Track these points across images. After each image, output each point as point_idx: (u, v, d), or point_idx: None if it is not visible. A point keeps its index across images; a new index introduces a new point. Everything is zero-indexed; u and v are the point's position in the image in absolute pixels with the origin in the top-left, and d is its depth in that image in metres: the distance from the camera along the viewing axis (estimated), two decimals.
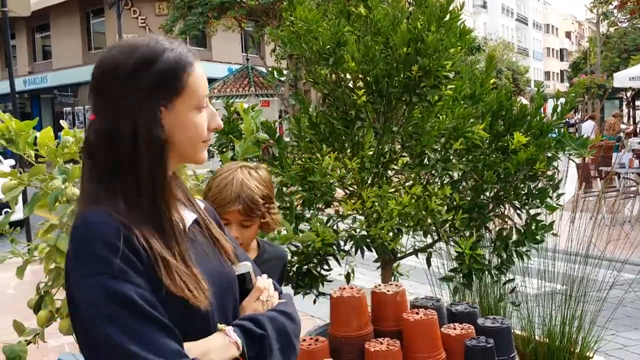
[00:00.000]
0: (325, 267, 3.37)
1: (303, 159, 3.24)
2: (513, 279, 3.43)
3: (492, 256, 3.32)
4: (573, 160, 4.14)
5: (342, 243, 3.29)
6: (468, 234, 3.21)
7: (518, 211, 3.32)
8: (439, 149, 3.26)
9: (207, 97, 1.36)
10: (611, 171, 8.27)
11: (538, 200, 3.20)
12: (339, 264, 3.32)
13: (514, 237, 3.28)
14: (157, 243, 1.26)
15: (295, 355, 1.43)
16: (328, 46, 3.14)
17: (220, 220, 1.56)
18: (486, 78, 3.32)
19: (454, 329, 2.44)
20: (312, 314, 5.27)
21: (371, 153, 3.21)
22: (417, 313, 2.38)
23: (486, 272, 3.17)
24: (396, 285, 2.58)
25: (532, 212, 3.28)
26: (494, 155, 3.24)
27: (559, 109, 3.23)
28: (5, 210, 8.88)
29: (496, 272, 3.26)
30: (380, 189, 3.07)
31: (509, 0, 74.24)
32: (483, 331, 2.47)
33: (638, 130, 22.41)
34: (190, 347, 1.24)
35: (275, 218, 2.24)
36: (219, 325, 1.34)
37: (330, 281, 3.36)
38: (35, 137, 2.58)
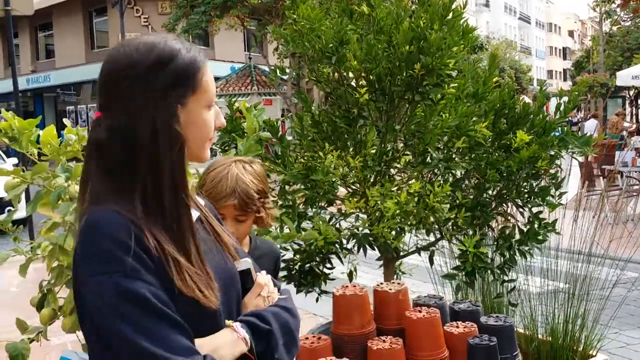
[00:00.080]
0: (328, 265, 3.37)
1: (305, 158, 3.24)
2: (514, 280, 3.43)
3: (495, 255, 3.31)
4: (576, 159, 4.13)
5: (344, 241, 3.29)
6: (471, 232, 3.21)
7: (520, 209, 3.32)
8: (441, 147, 3.26)
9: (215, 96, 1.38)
10: (614, 170, 8.24)
11: (540, 199, 3.20)
12: (342, 262, 3.32)
13: (517, 236, 3.28)
14: (168, 243, 1.26)
15: (297, 350, 1.46)
16: (331, 44, 3.14)
17: (219, 216, 1.57)
18: (489, 76, 3.31)
19: (457, 327, 2.44)
20: (314, 312, 5.27)
21: (374, 151, 3.21)
22: (420, 311, 2.38)
23: (489, 271, 3.17)
24: (399, 283, 2.58)
25: (534, 210, 3.27)
26: (496, 154, 3.23)
27: (562, 108, 3.23)
28: (8, 208, 8.89)
29: (498, 271, 3.26)
30: (382, 187, 3.07)
31: None
32: (486, 329, 2.47)
33: None
34: (200, 344, 1.25)
35: (269, 212, 2.24)
36: (227, 322, 1.35)
37: (333, 279, 3.36)
38: (38, 136, 2.59)
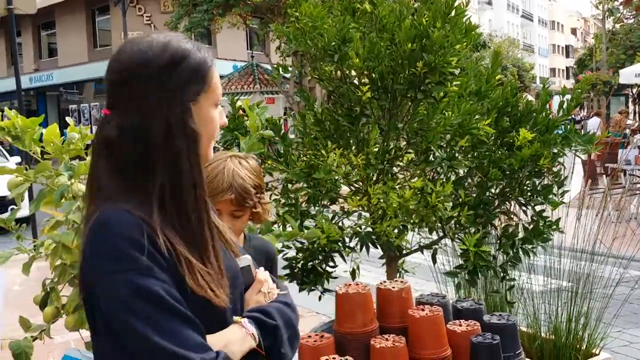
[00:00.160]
0: (331, 263, 3.37)
1: (308, 156, 3.24)
2: (513, 278, 3.43)
3: (498, 253, 3.31)
4: (579, 157, 4.12)
5: (347, 240, 3.29)
6: (473, 230, 3.20)
7: (523, 207, 3.31)
8: (444, 145, 3.25)
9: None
10: (617, 168, 8.23)
11: (542, 197, 3.19)
12: (344, 260, 3.32)
13: (521, 234, 3.27)
14: (179, 242, 1.27)
15: (298, 343, 1.50)
16: (333, 43, 3.14)
17: (217, 213, 1.58)
18: (492, 74, 3.31)
19: (460, 325, 2.44)
20: (317, 310, 5.27)
21: (376, 150, 3.20)
22: (423, 309, 2.38)
23: (491, 270, 3.16)
24: (402, 281, 2.57)
25: (537, 208, 3.27)
26: (499, 152, 3.23)
27: (565, 105, 3.22)
28: (11, 207, 8.91)
29: (500, 270, 3.26)
30: (385, 185, 3.07)
31: None
32: (489, 328, 2.46)
33: None
34: (211, 340, 1.26)
35: (265, 208, 2.23)
36: (235, 318, 1.37)
37: (336, 278, 3.36)
38: (41, 134, 2.59)
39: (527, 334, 3.71)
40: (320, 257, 3.31)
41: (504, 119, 3.25)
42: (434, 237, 3.42)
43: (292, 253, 3.32)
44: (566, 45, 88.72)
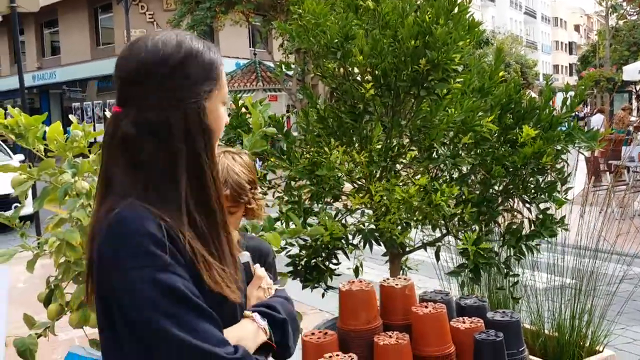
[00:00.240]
0: (334, 261, 3.38)
1: (311, 153, 3.24)
2: (517, 274, 3.42)
3: (502, 250, 3.31)
4: (582, 154, 4.12)
5: (350, 237, 3.29)
6: (477, 228, 3.20)
7: (527, 205, 3.31)
8: (447, 142, 3.25)
9: None
10: (621, 165, 8.22)
11: (546, 194, 3.19)
12: (348, 257, 3.32)
13: (527, 230, 3.27)
14: (194, 239, 1.28)
15: (298, 337, 1.58)
16: (336, 40, 3.13)
17: None
18: (495, 71, 3.30)
19: (463, 322, 2.43)
20: (320, 307, 5.28)
21: (379, 147, 3.20)
22: (426, 307, 2.37)
23: (494, 267, 3.16)
24: (405, 279, 2.57)
25: (541, 206, 3.26)
26: (502, 149, 3.22)
27: (568, 102, 3.21)
28: (14, 204, 8.92)
29: (504, 266, 3.25)
30: (388, 182, 3.06)
31: None
32: (492, 325, 2.46)
33: None
34: (226, 335, 1.28)
35: (259, 203, 2.23)
36: (246, 312, 1.41)
37: (339, 275, 3.36)
38: (45, 132, 2.59)
39: (530, 331, 3.70)
40: (323, 255, 3.32)
41: (507, 115, 3.24)
42: (437, 234, 3.42)
43: (295, 250, 3.32)
44: (569, 42, 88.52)
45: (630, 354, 4.63)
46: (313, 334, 2.31)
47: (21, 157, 11.84)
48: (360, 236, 3.23)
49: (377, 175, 3.26)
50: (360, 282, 2.45)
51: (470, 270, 3.05)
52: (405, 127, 3.29)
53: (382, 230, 3.06)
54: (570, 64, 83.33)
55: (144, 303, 1.18)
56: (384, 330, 2.37)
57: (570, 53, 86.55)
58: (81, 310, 2.40)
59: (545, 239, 3.28)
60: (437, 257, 3.45)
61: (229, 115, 2.62)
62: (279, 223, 3.05)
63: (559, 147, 3.18)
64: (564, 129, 3.18)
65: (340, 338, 2.34)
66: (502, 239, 3.31)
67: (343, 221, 3.35)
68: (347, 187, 3.36)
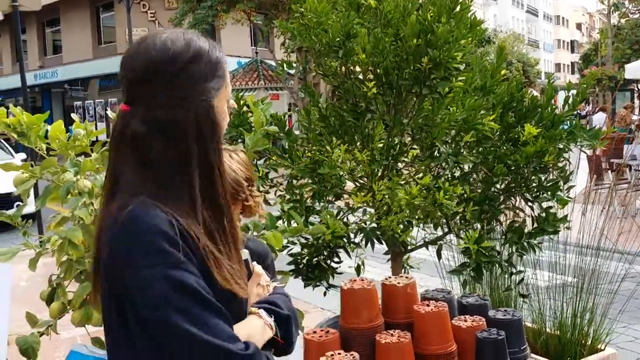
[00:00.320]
0: (336, 259, 3.38)
1: (313, 152, 3.24)
2: (521, 271, 3.42)
3: (503, 248, 3.30)
4: (584, 152, 4.11)
5: (352, 235, 3.29)
6: (479, 226, 3.20)
7: (529, 203, 3.31)
8: (449, 141, 3.25)
9: None
10: (623, 163, 8.20)
11: (549, 193, 3.19)
12: (349, 256, 3.32)
13: (529, 228, 3.26)
14: (203, 236, 1.28)
15: (298, 332, 1.59)
16: (338, 38, 3.13)
17: None
18: (496, 69, 3.30)
19: (465, 321, 2.44)
20: (322, 306, 5.28)
21: (381, 145, 3.20)
22: (428, 305, 2.38)
23: (497, 265, 3.16)
24: (407, 277, 2.57)
25: (543, 205, 3.26)
26: (504, 147, 3.22)
27: (570, 100, 3.21)
28: (17, 203, 8.92)
29: (506, 265, 3.25)
30: (390, 181, 3.06)
31: None
32: (494, 323, 2.46)
33: None
34: (236, 331, 1.29)
35: (257, 200, 2.23)
36: (252, 309, 1.42)
37: (341, 273, 3.37)
38: (47, 131, 2.59)
39: (532, 330, 3.70)
40: (325, 253, 3.32)
41: (509, 114, 3.24)
42: (439, 232, 3.42)
43: (297, 249, 3.32)
44: (571, 41, 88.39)
45: (632, 352, 4.63)
46: (315, 332, 2.31)
47: (23, 155, 11.85)
48: (362, 235, 3.23)
49: (379, 174, 3.26)
50: (362, 280, 2.45)
51: (472, 269, 3.05)
52: (407, 125, 3.28)
53: (384, 229, 3.06)
54: (572, 63, 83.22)
55: (156, 300, 1.19)
56: (386, 328, 2.38)
57: (572, 51, 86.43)
58: (83, 309, 2.41)
59: (548, 236, 3.27)
60: (439, 256, 3.45)
61: (230, 114, 2.64)
62: (280, 221, 3.05)
63: (561, 146, 3.18)
64: (566, 127, 3.18)
65: (342, 336, 2.34)
66: (504, 237, 3.31)
67: (345, 220, 3.35)
68: (349, 185, 3.36)
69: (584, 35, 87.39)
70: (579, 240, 3.99)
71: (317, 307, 5.32)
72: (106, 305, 1.31)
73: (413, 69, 3.10)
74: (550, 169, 3.24)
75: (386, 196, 3.02)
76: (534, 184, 3.24)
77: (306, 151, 3.35)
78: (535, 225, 3.25)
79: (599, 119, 18.09)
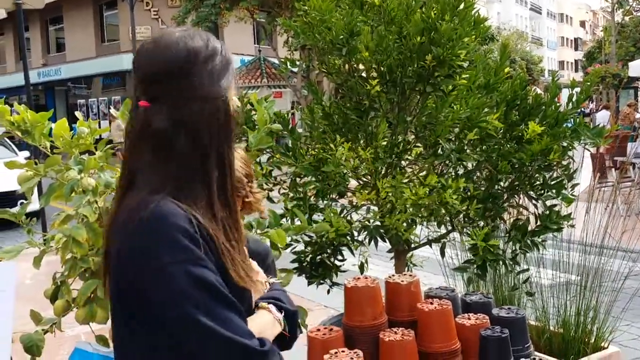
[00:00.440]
0: (339, 257, 3.38)
1: (316, 150, 3.24)
2: (527, 269, 3.42)
3: (507, 246, 3.30)
4: (588, 150, 4.11)
5: (355, 233, 3.30)
6: (482, 224, 3.20)
7: (533, 201, 3.30)
8: (453, 139, 3.24)
9: None
10: (626, 161, 8.19)
11: (554, 191, 3.18)
12: (353, 254, 3.32)
13: (532, 225, 3.26)
14: (220, 234, 1.30)
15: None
16: (341, 36, 3.13)
17: None
18: (500, 67, 3.29)
19: (469, 319, 2.43)
20: (325, 304, 5.28)
21: (385, 143, 3.20)
22: (432, 303, 2.38)
23: (500, 263, 3.16)
24: (410, 275, 2.57)
25: (548, 203, 3.26)
26: (508, 145, 3.21)
27: (574, 98, 3.20)
28: (20, 201, 8.93)
29: (510, 263, 3.25)
30: (394, 179, 3.06)
31: None
32: (498, 321, 2.46)
33: None
34: (249, 326, 1.31)
35: (257, 197, 2.23)
36: (262, 303, 1.45)
37: (344, 271, 3.37)
38: (51, 129, 2.60)
39: (535, 328, 3.70)
40: (328, 251, 3.32)
41: (513, 112, 3.23)
42: (443, 230, 3.42)
43: (300, 247, 3.32)
44: (575, 38, 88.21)
45: (636, 351, 4.62)
46: (319, 330, 2.31)
47: (26, 153, 11.87)
48: (366, 233, 3.23)
49: (383, 172, 3.26)
50: (366, 278, 2.45)
51: (478, 266, 3.05)
52: (410, 123, 3.28)
53: (388, 227, 3.06)
54: (575, 60, 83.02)
55: (178, 296, 1.20)
56: (390, 326, 2.38)
57: (576, 49, 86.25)
58: (88, 307, 2.41)
59: (551, 234, 3.27)
60: (442, 254, 3.45)
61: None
62: (284, 219, 3.05)
63: (565, 144, 3.17)
64: (569, 125, 3.18)
65: (346, 334, 2.34)
66: (507, 235, 3.31)
67: (348, 218, 3.35)
68: (353, 183, 3.36)
69: (588, 33, 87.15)
70: (583, 239, 3.98)
71: (320, 305, 5.33)
72: (119, 300, 1.32)
73: (417, 67, 3.09)
74: (555, 167, 3.23)
75: (390, 194, 3.02)
76: (538, 182, 3.23)
77: (310, 149, 3.35)
78: (539, 222, 3.25)
79: (603, 117, 18.06)
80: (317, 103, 3.43)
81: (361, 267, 3.39)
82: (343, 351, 2.18)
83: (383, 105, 3.29)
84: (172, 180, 1.28)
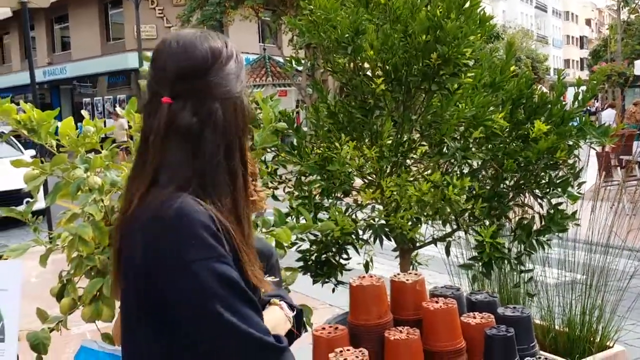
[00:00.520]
0: (344, 256, 3.38)
1: (322, 148, 3.24)
2: (531, 269, 3.41)
3: (512, 245, 3.30)
4: (594, 149, 4.09)
5: (360, 232, 3.29)
6: (488, 223, 3.19)
7: (539, 200, 3.30)
8: (458, 137, 3.24)
9: None
10: (632, 160, 8.15)
11: (560, 190, 3.17)
12: (358, 253, 3.32)
13: (537, 225, 3.26)
14: (238, 232, 1.32)
15: None
16: (347, 35, 3.13)
17: None
18: (506, 65, 3.29)
19: (474, 318, 2.44)
20: (330, 302, 5.29)
21: (390, 142, 3.20)
22: (437, 302, 2.38)
23: (506, 262, 3.16)
24: (416, 274, 2.58)
25: (553, 201, 3.25)
26: (514, 144, 3.21)
27: (580, 97, 3.19)
28: (26, 199, 8.96)
29: (515, 262, 3.25)
30: (399, 177, 3.06)
31: None
32: (503, 320, 2.46)
33: None
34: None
35: (261, 195, 2.23)
36: (273, 300, 1.47)
37: (349, 270, 3.37)
38: (57, 127, 2.60)
39: (541, 327, 3.70)
40: (333, 250, 3.32)
41: (519, 110, 3.23)
42: (448, 229, 3.42)
43: (305, 245, 3.33)
44: (580, 36, 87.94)
45: None
46: (324, 328, 2.32)
47: (32, 152, 11.90)
48: (371, 231, 3.23)
49: (388, 171, 3.26)
50: (371, 277, 2.46)
51: (483, 264, 3.04)
52: (415, 122, 3.28)
53: (393, 226, 3.06)
54: (581, 59, 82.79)
55: (204, 293, 1.21)
56: (395, 325, 2.38)
57: (582, 47, 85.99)
58: (93, 305, 2.42)
59: (556, 234, 3.27)
60: (448, 253, 3.44)
61: None
62: (289, 218, 3.06)
63: (570, 143, 3.17)
64: (575, 124, 3.17)
65: (351, 333, 2.35)
66: (513, 234, 3.30)
67: (353, 216, 3.35)
68: (358, 182, 3.36)
69: (594, 31, 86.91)
70: (588, 238, 3.97)
71: (325, 304, 5.33)
72: (131, 298, 1.32)
73: (422, 65, 3.09)
74: (561, 166, 3.23)
75: (395, 193, 3.02)
76: (544, 181, 3.23)
77: (315, 148, 3.35)
78: (543, 223, 3.25)
79: (609, 116, 18.00)
80: (322, 102, 3.43)
81: (366, 266, 3.39)
82: (348, 350, 2.18)
83: (388, 104, 3.28)
84: (198, 178, 1.30)
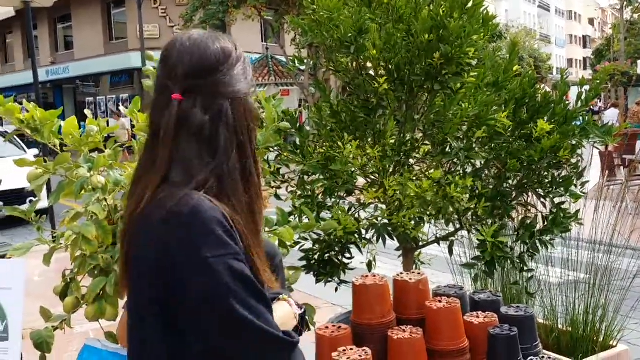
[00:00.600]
0: (347, 255, 3.38)
1: (324, 148, 3.24)
2: (532, 269, 3.41)
3: (515, 245, 3.30)
4: (597, 148, 4.09)
5: (363, 231, 3.29)
6: (491, 222, 3.19)
7: (542, 199, 3.30)
8: (461, 137, 3.24)
9: None
10: (635, 159, 8.14)
11: (563, 189, 3.17)
12: (361, 252, 3.32)
13: (540, 225, 3.26)
14: (249, 229, 1.34)
15: None
16: (349, 34, 3.13)
17: None
18: (509, 65, 3.28)
19: (477, 317, 2.44)
20: (333, 302, 5.29)
21: (393, 141, 3.20)
22: (440, 301, 2.38)
23: (509, 261, 3.15)
24: (419, 273, 2.58)
25: (556, 200, 3.25)
26: (517, 143, 3.21)
27: (583, 96, 3.19)
28: (29, 198, 8.97)
29: (518, 261, 3.24)
30: (402, 177, 3.06)
31: None
32: (506, 320, 2.46)
33: None
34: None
35: (264, 195, 2.23)
36: (282, 296, 1.48)
37: (352, 269, 3.37)
38: (60, 127, 2.61)
39: (544, 326, 3.69)
40: (336, 249, 3.32)
41: (522, 110, 3.22)
42: (451, 228, 3.41)
43: (308, 245, 3.33)
44: (583, 36, 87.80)
45: None
46: (327, 327, 2.32)
47: (35, 151, 11.92)
48: (374, 230, 3.23)
49: (391, 170, 3.26)
50: (374, 276, 2.46)
51: (486, 263, 3.04)
52: (418, 121, 3.28)
53: (396, 225, 3.06)
54: (584, 58, 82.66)
55: (221, 290, 1.23)
56: (398, 324, 2.38)
57: (585, 47, 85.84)
58: (97, 304, 2.42)
59: (558, 234, 3.26)
60: (451, 252, 3.44)
61: None
62: (292, 217, 3.06)
63: (574, 142, 3.16)
64: (578, 123, 3.17)
65: (354, 332, 2.35)
66: (516, 233, 3.30)
67: (356, 216, 3.35)
68: (361, 181, 3.36)
69: (597, 31, 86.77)
70: (592, 237, 3.97)
71: (328, 303, 5.33)
72: (144, 296, 1.32)
73: (425, 65, 3.09)
74: (564, 165, 3.22)
75: (397, 192, 3.02)
76: (547, 180, 3.23)
77: (318, 147, 3.35)
78: (546, 223, 3.24)
79: (612, 115, 17.98)
80: (325, 101, 3.43)
81: (369, 265, 3.39)
82: (351, 349, 2.18)
83: (391, 103, 3.28)
84: (214, 176, 1.31)
